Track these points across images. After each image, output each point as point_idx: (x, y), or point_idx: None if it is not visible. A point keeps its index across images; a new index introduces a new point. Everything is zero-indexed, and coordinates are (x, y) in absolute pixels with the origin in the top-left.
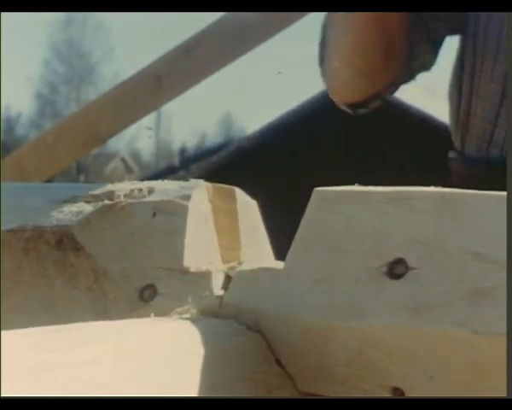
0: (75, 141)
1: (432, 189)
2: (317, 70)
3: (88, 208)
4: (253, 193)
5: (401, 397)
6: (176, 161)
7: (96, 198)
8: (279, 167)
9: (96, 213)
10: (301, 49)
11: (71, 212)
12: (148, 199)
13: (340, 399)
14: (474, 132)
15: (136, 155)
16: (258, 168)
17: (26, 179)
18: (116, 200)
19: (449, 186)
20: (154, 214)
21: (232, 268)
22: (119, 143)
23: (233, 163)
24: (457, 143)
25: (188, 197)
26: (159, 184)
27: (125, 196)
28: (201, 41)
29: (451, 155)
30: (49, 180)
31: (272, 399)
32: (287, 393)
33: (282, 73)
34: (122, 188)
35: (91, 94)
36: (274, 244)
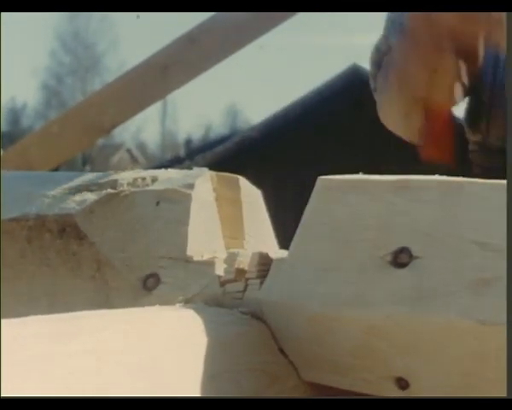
0: (80, 131)
1: (436, 178)
2: (320, 60)
3: (91, 197)
4: (257, 183)
5: (402, 397)
6: (181, 152)
7: (100, 187)
8: (283, 158)
9: (99, 201)
10: (306, 39)
11: (74, 200)
12: (151, 188)
13: (341, 399)
14: (498, 123)
15: (141, 146)
16: (263, 159)
17: (31, 170)
18: (119, 188)
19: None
20: (158, 203)
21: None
22: (125, 134)
23: (238, 154)
24: (479, 135)
25: (191, 186)
26: (162, 173)
27: (129, 184)
28: (206, 30)
29: (472, 147)
30: (55, 171)
31: (274, 399)
32: (290, 382)
33: (286, 63)
34: (125, 177)
35: (97, 85)
36: (279, 234)
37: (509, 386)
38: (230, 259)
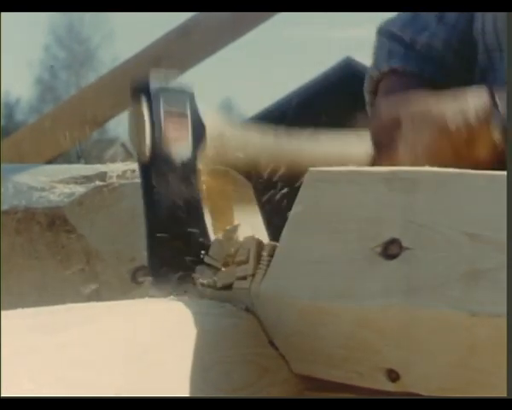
0: (72, 124)
1: (427, 169)
2: (315, 54)
3: (80, 189)
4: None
5: (402, 397)
6: None
7: (88, 179)
8: None
9: (88, 194)
10: (301, 32)
11: (63, 193)
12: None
13: (341, 399)
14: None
15: None
16: None
17: (24, 163)
18: (108, 181)
19: None
20: None
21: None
22: (119, 128)
23: None
24: None
25: None
26: None
27: (118, 176)
28: (199, 22)
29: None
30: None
31: (274, 399)
32: (281, 375)
33: (283, 57)
34: (114, 169)
35: (91, 79)
36: (275, 226)
37: (509, 386)
38: (218, 246)
